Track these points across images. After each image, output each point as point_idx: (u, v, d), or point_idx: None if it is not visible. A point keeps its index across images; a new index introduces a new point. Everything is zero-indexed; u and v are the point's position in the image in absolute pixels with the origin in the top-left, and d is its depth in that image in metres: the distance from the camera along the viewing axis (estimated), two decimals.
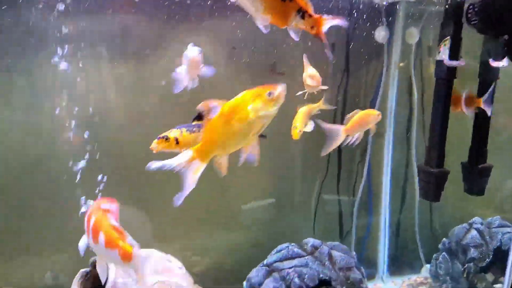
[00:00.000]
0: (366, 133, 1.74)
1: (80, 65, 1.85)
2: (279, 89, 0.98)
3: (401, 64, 2.29)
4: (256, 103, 0.97)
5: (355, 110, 1.61)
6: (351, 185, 2.41)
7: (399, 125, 2.33)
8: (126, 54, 1.98)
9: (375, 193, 2.40)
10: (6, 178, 1.86)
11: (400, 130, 2.35)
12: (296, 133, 1.74)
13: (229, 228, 2.31)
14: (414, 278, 2.42)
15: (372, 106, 2.28)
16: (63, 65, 1.79)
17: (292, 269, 1.92)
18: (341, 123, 2.26)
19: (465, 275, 2.19)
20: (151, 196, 2.05)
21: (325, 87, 1.71)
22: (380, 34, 2.17)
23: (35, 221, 1.90)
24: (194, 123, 1.29)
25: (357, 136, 1.58)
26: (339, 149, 2.39)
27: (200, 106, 0.99)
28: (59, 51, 1.78)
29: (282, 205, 2.40)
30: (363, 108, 1.72)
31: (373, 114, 1.66)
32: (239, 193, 2.29)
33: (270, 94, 0.97)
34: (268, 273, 1.94)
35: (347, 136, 1.59)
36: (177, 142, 1.27)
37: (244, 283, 1.99)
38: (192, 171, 1.01)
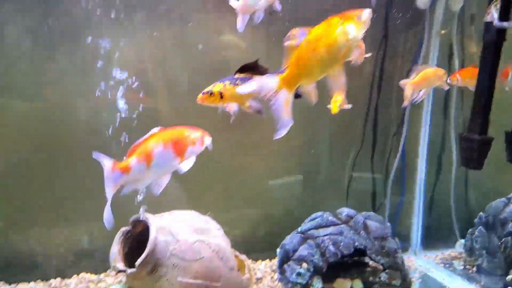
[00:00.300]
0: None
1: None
2: (367, 13, 0.98)
3: (443, 32, 2.21)
4: (346, 27, 0.96)
5: (423, 66, 1.64)
6: (385, 159, 2.37)
7: (438, 95, 2.26)
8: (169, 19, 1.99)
9: (410, 166, 2.35)
10: (46, 150, 1.91)
11: (439, 101, 2.29)
12: (336, 107, 1.72)
13: (260, 202, 2.32)
14: (448, 252, 2.38)
15: (409, 74, 2.22)
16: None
17: (327, 236, 1.92)
18: (378, 94, 2.26)
19: (502, 250, 2.15)
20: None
21: (368, 55, 1.69)
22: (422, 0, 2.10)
23: (73, 191, 1.95)
24: (236, 76, 1.29)
25: (422, 93, 1.60)
26: (375, 121, 2.36)
27: (288, 35, 0.99)
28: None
29: (314, 178, 2.39)
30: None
31: (440, 72, 1.74)
32: (270, 167, 2.30)
33: (359, 17, 0.97)
34: (303, 240, 1.95)
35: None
36: (221, 96, 1.27)
37: (278, 250, 2.01)
38: (282, 102, 1.01)
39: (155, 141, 1.21)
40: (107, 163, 1.19)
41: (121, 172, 1.19)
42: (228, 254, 1.67)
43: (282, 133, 1.00)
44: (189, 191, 2.12)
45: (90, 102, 1.90)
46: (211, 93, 1.26)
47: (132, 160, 1.20)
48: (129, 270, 1.52)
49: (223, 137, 2.15)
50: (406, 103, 1.72)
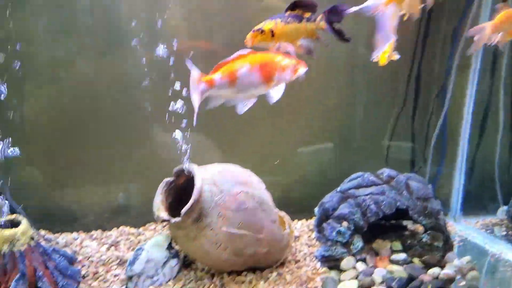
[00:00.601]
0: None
1: None
2: None
3: None
4: None
5: (501, 4, 1.51)
6: (426, 121, 2.31)
7: (487, 53, 2.14)
8: None
9: (452, 129, 2.26)
10: (87, 113, 1.91)
11: (487, 58, 2.17)
12: (384, 58, 1.64)
13: (294, 165, 2.29)
14: (489, 219, 2.31)
15: (456, 31, 2.12)
16: None
17: (368, 196, 1.88)
18: (422, 51, 2.15)
19: None
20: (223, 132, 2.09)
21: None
22: None
23: (111, 153, 1.96)
24: (287, 13, 1.24)
25: (499, 37, 1.47)
26: (418, 80, 2.27)
27: None
28: None
29: (351, 141, 2.34)
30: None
31: None
32: (305, 130, 2.26)
33: None
34: (343, 199, 1.92)
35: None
36: (273, 34, 1.22)
37: (316, 209, 1.98)
38: (389, 16, 1.01)
39: (242, 62, 1.20)
40: (194, 73, 1.19)
41: (206, 85, 1.18)
42: (271, 207, 1.65)
43: (383, 48, 1.05)
44: (223, 153, 2.13)
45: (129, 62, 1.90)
46: (262, 31, 1.21)
47: (216, 76, 1.19)
48: (174, 219, 1.53)
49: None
50: (474, 49, 1.57)
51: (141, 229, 1.95)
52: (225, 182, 1.57)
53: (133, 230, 1.94)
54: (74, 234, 1.89)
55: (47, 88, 1.87)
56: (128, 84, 1.93)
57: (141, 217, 2.02)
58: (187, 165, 1.58)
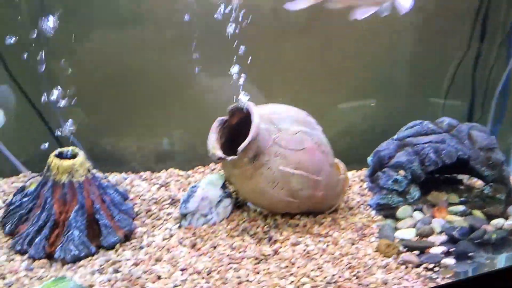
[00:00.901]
0: None
1: None
2: None
3: None
4: None
5: None
6: (487, 68, 2.16)
7: None
8: None
9: None
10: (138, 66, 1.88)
11: None
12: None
13: (341, 117, 2.22)
14: None
15: None
16: None
17: (428, 144, 1.78)
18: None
19: None
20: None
21: None
22: None
23: (158, 104, 1.93)
24: None
25: None
26: (484, 25, 2.11)
27: None
28: None
29: (405, 91, 2.23)
30: None
31: None
32: (351, 80, 2.16)
33: None
34: (400, 147, 1.82)
35: None
36: None
37: (369, 158, 1.91)
38: None
39: None
40: None
41: None
42: (329, 150, 1.58)
43: None
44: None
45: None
46: None
47: None
48: (230, 158, 1.49)
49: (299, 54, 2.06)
50: None
51: (189, 172, 1.93)
52: (283, 121, 1.51)
53: (181, 172, 1.93)
54: (123, 174, 1.89)
55: (99, 48, 1.83)
56: (173, 27, 1.88)
57: (187, 162, 2.01)
58: (243, 102, 1.52)
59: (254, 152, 1.46)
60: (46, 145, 1.55)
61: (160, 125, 2.03)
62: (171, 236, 1.51)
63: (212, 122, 1.72)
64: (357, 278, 1.38)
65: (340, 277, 1.38)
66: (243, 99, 1.53)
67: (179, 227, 1.56)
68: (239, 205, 1.71)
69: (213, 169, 1.97)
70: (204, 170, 1.95)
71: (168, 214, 1.63)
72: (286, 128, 1.49)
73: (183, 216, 1.56)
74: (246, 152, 1.45)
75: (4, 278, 1.28)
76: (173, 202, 1.69)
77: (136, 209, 1.64)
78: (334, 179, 1.61)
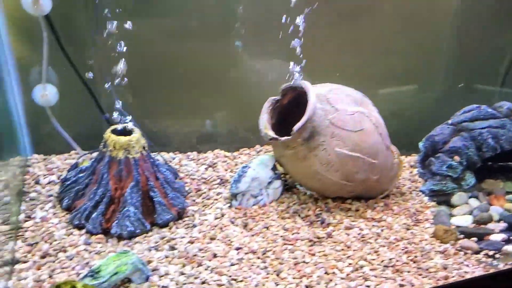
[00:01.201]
0: None
1: None
2: None
3: None
4: None
5: None
6: None
7: None
8: None
9: None
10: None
11: None
12: None
13: (384, 101, 2.15)
14: None
15: None
16: None
17: (486, 129, 1.70)
18: None
19: None
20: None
21: None
22: None
23: (203, 88, 1.92)
24: None
25: None
26: None
27: None
28: None
29: (462, 70, 2.14)
30: None
31: None
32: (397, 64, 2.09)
33: None
34: (455, 132, 1.75)
35: None
36: None
37: (420, 144, 1.85)
38: None
39: None
40: None
41: None
42: (386, 132, 1.53)
43: None
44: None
45: None
46: None
47: None
48: (283, 138, 1.47)
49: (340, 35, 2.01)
50: None
51: (235, 153, 1.92)
52: (340, 101, 1.47)
53: (228, 153, 1.91)
54: (171, 154, 1.89)
55: (148, 34, 1.82)
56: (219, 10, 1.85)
57: (233, 144, 2.00)
58: (298, 81, 1.48)
59: (309, 133, 1.43)
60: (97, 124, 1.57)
61: (204, 108, 2.02)
62: (223, 215, 1.51)
63: (256, 104, 1.70)
64: (414, 262, 1.35)
65: (397, 261, 1.34)
66: (297, 78, 1.50)
67: (230, 207, 1.55)
68: (287, 187, 1.69)
69: (259, 151, 1.95)
70: (249, 152, 1.93)
71: (218, 193, 1.62)
72: (344, 108, 1.45)
73: (234, 196, 1.55)
74: (301, 132, 1.41)
75: (65, 251, 1.30)
76: (222, 182, 1.69)
77: (186, 188, 1.66)
78: (389, 163, 1.56)
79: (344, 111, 1.44)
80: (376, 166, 1.48)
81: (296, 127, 1.40)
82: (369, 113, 1.46)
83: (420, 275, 1.29)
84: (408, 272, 1.30)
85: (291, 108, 1.64)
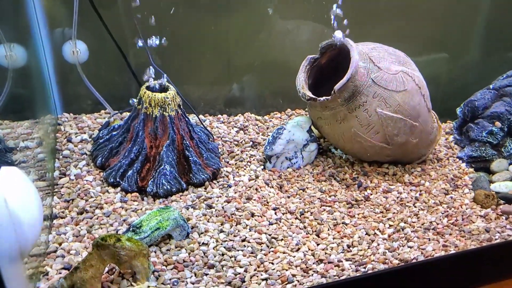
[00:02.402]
0: None
1: None
2: None
3: None
4: None
5: None
6: None
7: None
8: None
9: None
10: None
11: None
12: None
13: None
14: None
15: None
16: None
17: None
18: None
19: None
20: None
21: None
22: None
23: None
24: None
25: None
26: None
27: None
28: None
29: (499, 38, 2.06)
30: None
31: None
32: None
33: None
34: (497, 97, 1.70)
35: None
36: None
37: (458, 109, 1.79)
38: None
39: None
40: None
41: None
42: (428, 93, 1.47)
43: None
44: None
45: None
46: None
47: None
48: (323, 98, 1.42)
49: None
50: None
51: (266, 117, 1.88)
52: (383, 59, 1.40)
53: (258, 117, 1.87)
54: (201, 116, 1.86)
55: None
56: None
57: (261, 108, 1.96)
58: (339, 38, 1.42)
59: (351, 92, 1.37)
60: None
61: (232, 71, 1.98)
62: (257, 177, 1.48)
63: (285, 68, 1.64)
64: (455, 225, 1.33)
65: (438, 224, 1.32)
66: (338, 35, 1.44)
67: (263, 169, 1.52)
68: (321, 151, 1.65)
69: (290, 115, 1.91)
70: (280, 116, 1.90)
71: (251, 156, 1.59)
72: (387, 67, 1.38)
73: (268, 158, 1.52)
74: (342, 91, 1.36)
75: (101, 208, 1.29)
76: (254, 145, 1.65)
77: (219, 150, 1.63)
78: (430, 126, 1.51)
79: (387, 70, 1.37)
80: (417, 129, 1.43)
81: (337, 86, 1.35)
82: (412, 73, 1.40)
83: (462, 237, 1.27)
84: (450, 234, 1.28)
85: (327, 70, 1.59)
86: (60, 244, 1.16)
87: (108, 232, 1.22)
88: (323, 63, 1.52)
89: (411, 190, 1.46)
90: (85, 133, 1.61)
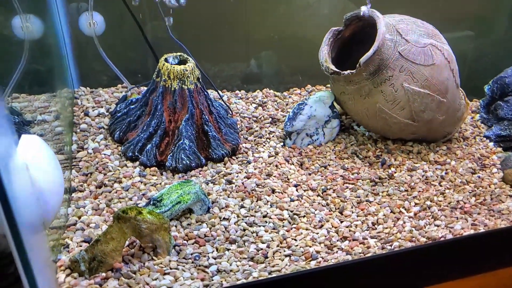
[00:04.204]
0: None
1: None
2: None
3: None
4: None
5: None
6: None
7: None
8: None
9: None
10: None
11: None
12: None
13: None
14: None
15: None
16: None
17: None
18: None
19: None
20: None
21: None
22: None
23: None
24: None
25: None
26: None
27: None
28: None
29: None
30: None
31: None
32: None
33: None
34: None
35: None
36: None
37: (486, 87, 1.70)
38: None
39: None
40: None
41: None
42: (457, 68, 1.41)
43: None
44: None
45: None
46: None
47: None
48: (347, 72, 1.37)
49: None
50: None
51: (285, 93, 1.84)
52: (411, 32, 1.33)
53: (277, 93, 1.83)
54: (219, 92, 1.83)
55: None
56: None
57: (282, 83, 1.92)
58: (365, 10, 1.36)
59: (376, 66, 1.31)
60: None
61: (251, 46, 1.93)
62: (277, 154, 1.44)
63: (306, 42, 1.58)
64: (484, 205, 1.28)
65: (465, 203, 1.28)
66: (363, 7, 1.37)
67: (283, 146, 1.48)
68: (343, 128, 1.60)
69: (310, 91, 1.86)
70: (300, 92, 1.85)
71: (270, 132, 1.55)
72: (415, 40, 1.31)
73: (288, 134, 1.48)
74: (367, 65, 1.30)
75: (120, 182, 1.27)
76: (274, 121, 1.61)
77: (237, 126, 1.60)
78: (457, 103, 1.45)
79: (415, 43, 1.31)
80: (444, 106, 1.37)
81: (363, 59, 1.29)
82: (441, 46, 1.33)
83: (492, 216, 1.23)
84: (479, 214, 1.23)
85: (350, 44, 1.52)
86: (79, 217, 1.15)
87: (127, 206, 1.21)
88: (346, 36, 1.46)
89: (436, 168, 1.42)
90: (102, 107, 1.59)
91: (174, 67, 1.32)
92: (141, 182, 1.28)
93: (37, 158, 0.78)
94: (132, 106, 1.43)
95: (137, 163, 1.34)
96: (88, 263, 0.96)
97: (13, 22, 1.38)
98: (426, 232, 1.14)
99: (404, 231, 1.14)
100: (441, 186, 1.34)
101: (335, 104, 1.52)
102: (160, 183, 1.28)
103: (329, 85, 1.79)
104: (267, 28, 1.87)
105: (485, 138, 1.61)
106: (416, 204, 1.24)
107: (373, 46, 1.28)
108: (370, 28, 1.39)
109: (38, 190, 0.74)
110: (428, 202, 1.25)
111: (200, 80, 1.39)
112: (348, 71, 1.35)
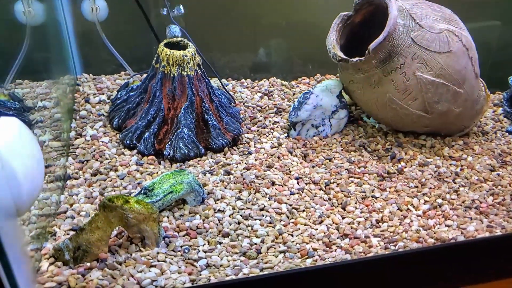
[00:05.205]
0: None
1: None
2: None
3: None
4: None
5: None
6: None
7: None
8: None
9: None
10: None
11: None
12: None
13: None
14: None
15: None
16: None
17: None
18: None
19: None
20: None
21: None
22: None
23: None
24: None
25: None
26: None
27: None
28: None
29: None
30: None
31: None
32: None
33: None
34: None
35: None
36: None
37: (510, 78, 1.62)
38: None
39: None
40: None
41: None
42: (476, 56, 1.30)
43: None
44: None
45: None
46: None
47: None
48: (355, 59, 1.29)
49: None
50: None
51: (293, 82, 1.77)
52: (426, 16, 1.24)
53: (285, 82, 1.76)
54: (224, 80, 1.77)
55: None
56: None
57: (290, 72, 1.85)
58: None
59: (387, 53, 1.22)
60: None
61: (259, 33, 1.87)
62: (280, 145, 1.38)
63: (315, 29, 1.50)
64: (502, 205, 1.19)
65: (481, 202, 1.18)
66: None
67: (287, 136, 1.42)
68: (352, 119, 1.53)
69: (319, 80, 1.78)
70: (309, 82, 1.77)
71: (274, 123, 1.49)
72: (429, 25, 1.22)
73: (292, 125, 1.41)
74: (377, 52, 1.21)
75: (116, 170, 1.24)
76: (279, 111, 1.55)
77: (240, 115, 1.55)
78: (476, 95, 1.35)
79: (429, 28, 1.21)
80: (461, 96, 1.27)
81: (372, 45, 1.21)
82: (459, 32, 1.23)
83: (511, 218, 1.14)
84: (496, 215, 1.14)
85: (361, 31, 1.44)
86: (71, 205, 1.12)
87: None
88: (356, 21, 1.37)
89: (450, 164, 1.32)
90: (103, 94, 1.56)
91: (173, 53, 1.27)
92: (138, 171, 1.24)
93: (11, 142, 0.74)
94: (132, 93, 1.39)
95: (135, 151, 1.30)
96: (73, 252, 0.92)
97: (15, 6, 1.37)
98: (435, 233, 1.05)
99: (411, 230, 1.06)
100: (455, 183, 1.25)
101: (343, 93, 1.45)
102: (157, 172, 1.24)
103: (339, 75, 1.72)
104: (276, 14, 1.81)
105: (507, 134, 1.49)
106: (426, 201, 1.16)
107: (384, 31, 1.19)
108: (382, 14, 1.30)
109: (10, 175, 0.71)
110: (440, 200, 1.17)
111: (201, 66, 1.34)
112: (357, 58, 1.26)
